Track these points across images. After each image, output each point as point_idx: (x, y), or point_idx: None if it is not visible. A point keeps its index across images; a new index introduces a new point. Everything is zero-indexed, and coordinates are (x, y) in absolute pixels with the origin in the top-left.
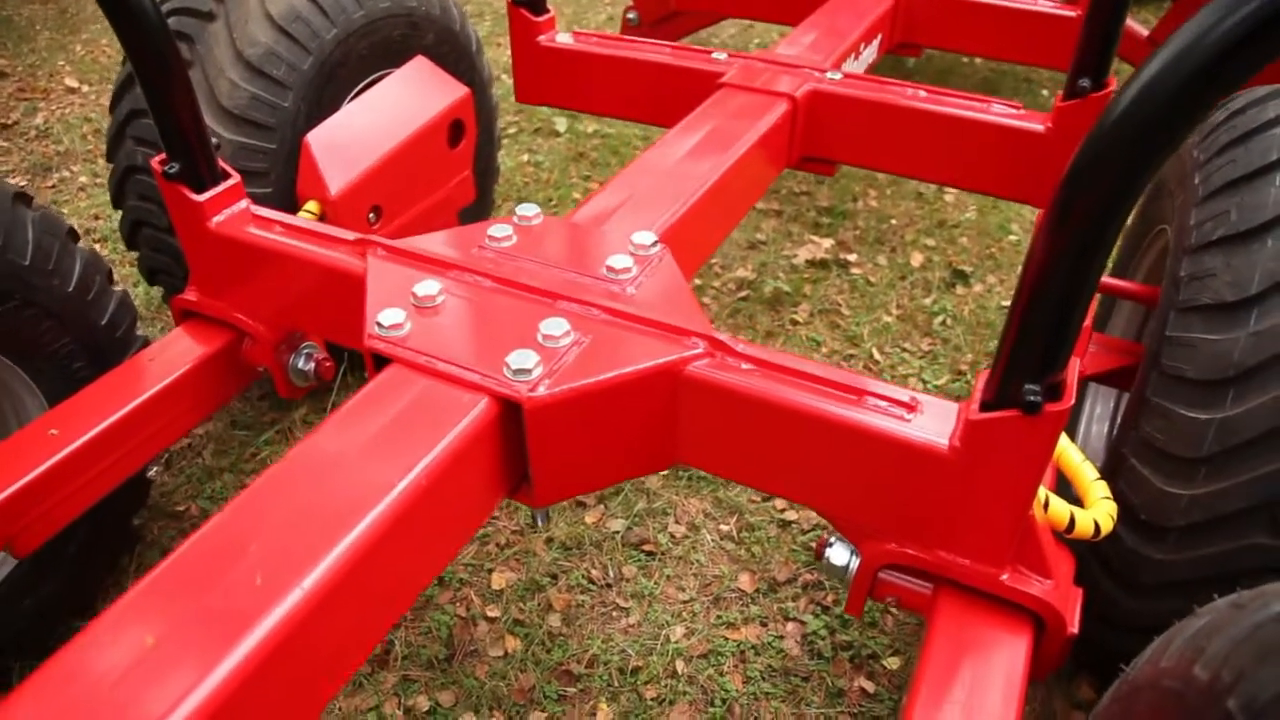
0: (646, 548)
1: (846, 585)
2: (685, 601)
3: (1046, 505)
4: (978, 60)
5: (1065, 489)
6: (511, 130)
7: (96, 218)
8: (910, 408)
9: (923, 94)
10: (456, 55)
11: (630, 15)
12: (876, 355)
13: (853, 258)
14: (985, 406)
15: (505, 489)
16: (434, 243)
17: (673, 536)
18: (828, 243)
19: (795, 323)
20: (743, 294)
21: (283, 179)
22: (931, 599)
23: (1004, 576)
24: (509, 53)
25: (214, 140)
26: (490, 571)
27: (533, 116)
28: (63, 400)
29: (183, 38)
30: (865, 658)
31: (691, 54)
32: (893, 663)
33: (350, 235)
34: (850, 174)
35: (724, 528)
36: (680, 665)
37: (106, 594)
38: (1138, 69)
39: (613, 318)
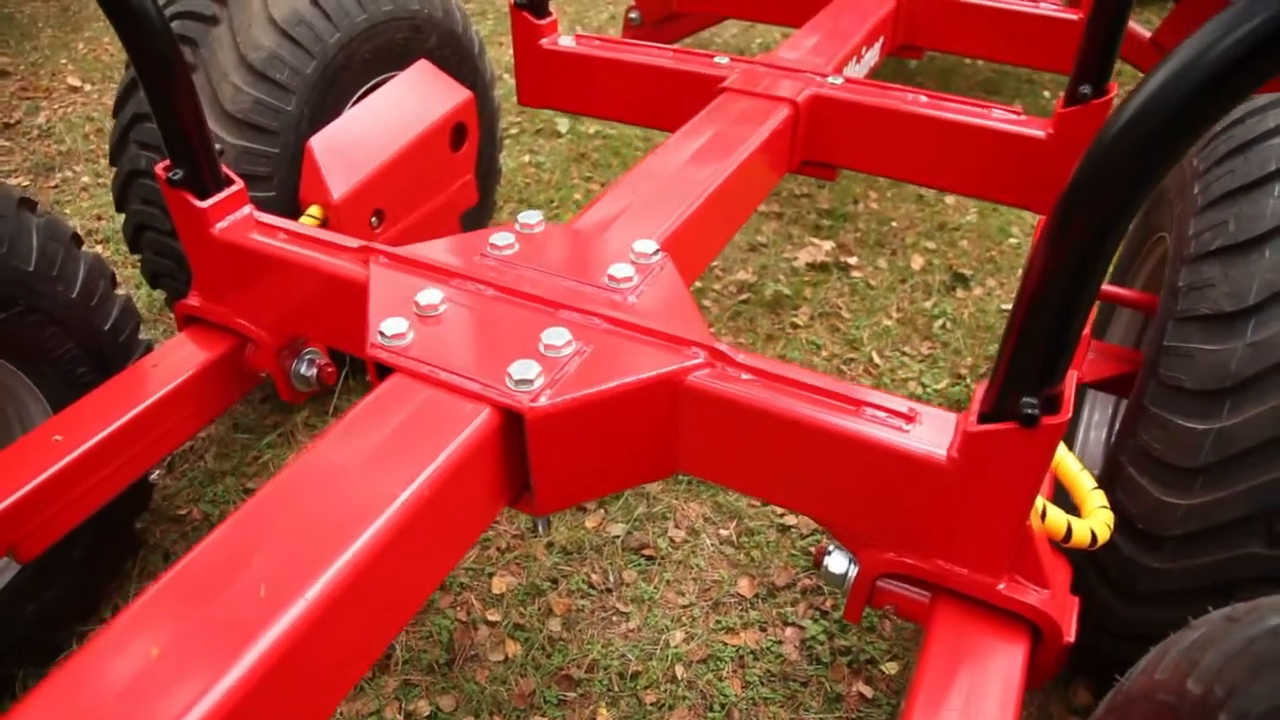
0: (646, 552)
1: (845, 593)
2: (685, 606)
3: (1044, 515)
4: (979, 61)
5: (1063, 497)
6: (513, 131)
7: (99, 218)
8: (909, 418)
9: (924, 99)
10: (459, 58)
11: (632, 15)
12: (876, 359)
13: (853, 260)
14: (983, 418)
15: (507, 498)
16: (436, 250)
17: (672, 541)
18: (828, 245)
19: (795, 326)
20: (743, 297)
21: (286, 183)
22: (929, 607)
23: (1001, 586)
24: (511, 52)
25: (217, 146)
26: (491, 576)
27: (534, 117)
28: (66, 405)
29: (186, 41)
30: (864, 663)
31: (693, 58)
32: (891, 668)
33: (353, 243)
34: (851, 176)
35: (723, 532)
36: (680, 670)
37: (110, 598)
38: (1139, 83)
39: (614, 327)
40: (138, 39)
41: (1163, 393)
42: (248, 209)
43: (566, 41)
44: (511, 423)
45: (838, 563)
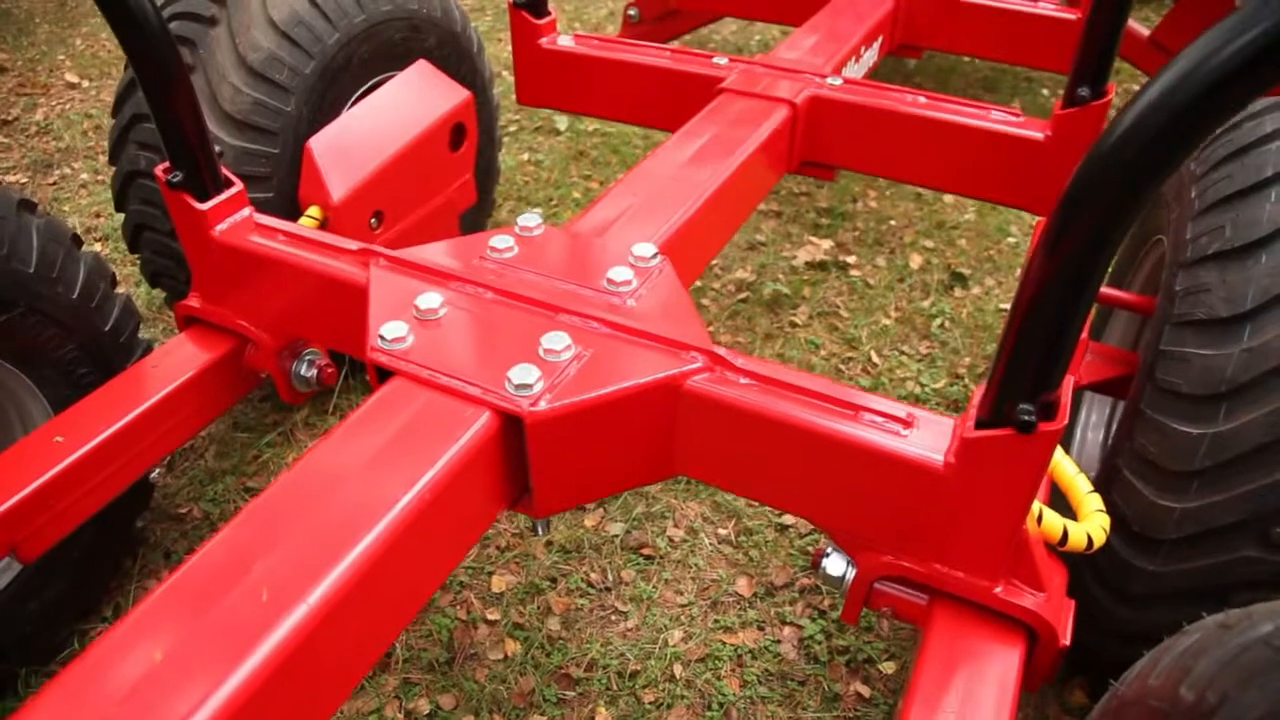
0: (645, 551)
1: (843, 595)
2: (683, 605)
3: (1040, 519)
4: (978, 60)
5: (1060, 500)
6: (512, 128)
7: (98, 215)
8: (906, 423)
9: (922, 100)
10: (458, 57)
11: (631, 12)
12: (875, 358)
13: (852, 259)
14: (980, 424)
15: (506, 500)
16: (436, 253)
17: (671, 540)
18: (827, 244)
19: (794, 325)
20: (742, 296)
21: (285, 184)
22: (926, 610)
23: (997, 589)
24: (510, 48)
25: (217, 148)
26: (490, 574)
27: (533, 115)
28: (67, 406)
29: (185, 42)
30: (861, 662)
31: (692, 58)
32: (888, 667)
33: (353, 245)
34: (850, 174)
35: (722, 532)
36: (678, 669)
37: (110, 597)
38: (1138, 92)
39: (613, 331)
40: (136, 41)
41: (1159, 397)
42: (247, 211)
43: (565, 41)
44: (511, 426)
45: (836, 565)
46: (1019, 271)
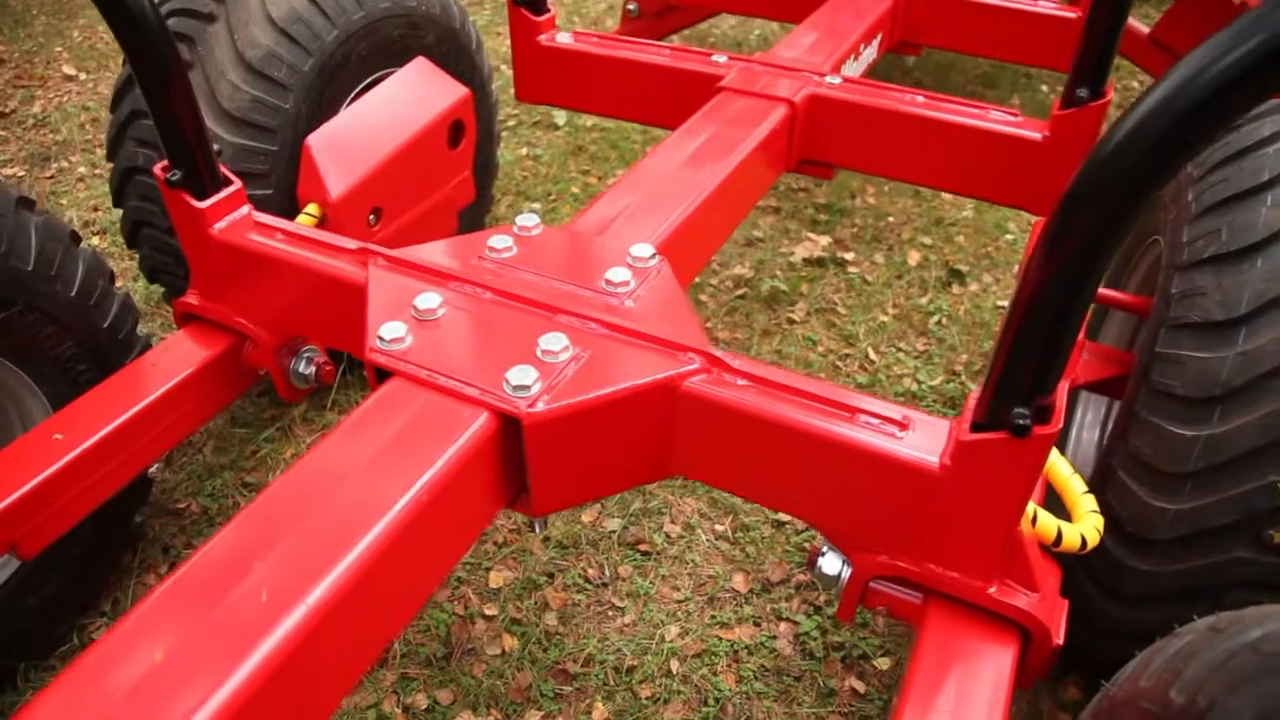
0: (642, 547)
1: (838, 594)
2: (680, 601)
3: (1034, 520)
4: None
5: (1054, 499)
6: (510, 123)
7: (95, 209)
8: (903, 425)
9: (921, 99)
10: (457, 54)
11: (630, 7)
12: (872, 355)
13: (850, 256)
14: (975, 427)
15: (504, 500)
16: (434, 252)
17: (668, 536)
18: (825, 240)
19: (792, 321)
20: (740, 292)
21: (284, 181)
22: (921, 609)
23: (991, 590)
24: (508, 42)
25: (215, 147)
26: (488, 570)
27: (532, 109)
28: (66, 403)
29: (183, 39)
30: (856, 658)
31: (691, 56)
32: (883, 663)
33: (352, 244)
34: (848, 171)
35: (719, 528)
36: (675, 665)
37: (109, 592)
38: (1136, 100)
39: (610, 332)
40: (134, 39)
41: (1154, 398)
42: (246, 209)
43: (564, 38)
44: (509, 427)
45: (831, 564)
46: (1017, 269)
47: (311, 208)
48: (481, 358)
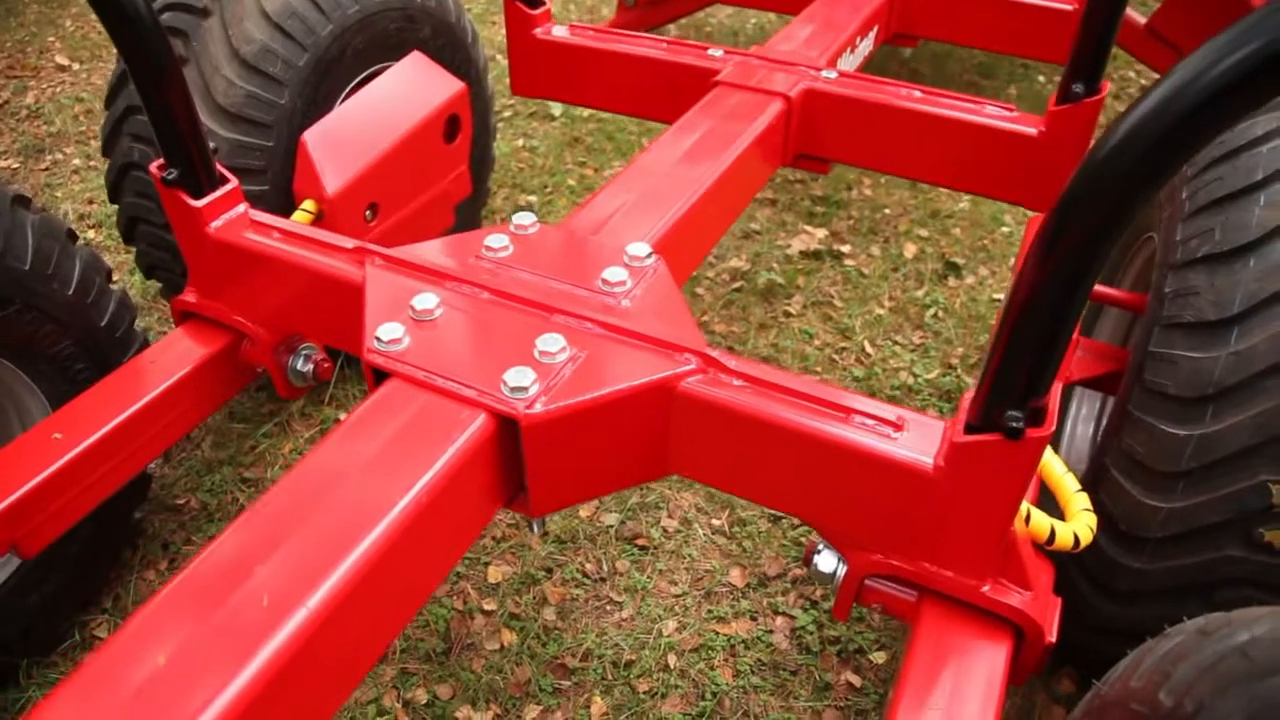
0: (640, 542)
1: (834, 591)
2: (677, 596)
3: (1028, 519)
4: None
5: (1047, 496)
6: (506, 114)
7: (91, 202)
8: (897, 426)
9: (917, 94)
10: (453, 47)
11: None
12: (868, 348)
13: (846, 248)
14: (969, 429)
15: (502, 500)
16: (431, 252)
17: (665, 531)
18: (821, 233)
19: (788, 314)
20: (736, 285)
21: (280, 176)
22: (915, 606)
23: (985, 588)
24: (504, 31)
25: (211, 144)
26: (486, 565)
27: (528, 100)
28: (65, 401)
29: (177, 34)
30: (852, 652)
31: (688, 50)
32: (879, 657)
33: (349, 243)
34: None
35: (715, 522)
36: (672, 659)
37: (110, 588)
38: (1132, 104)
39: (607, 332)
40: (128, 38)
41: (1147, 397)
42: (242, 207)
43: (560, 32)
44: (507, 428)
45: (827, 562)
46: (1013, 261)
47: (308, 204)
48: (479, 359)
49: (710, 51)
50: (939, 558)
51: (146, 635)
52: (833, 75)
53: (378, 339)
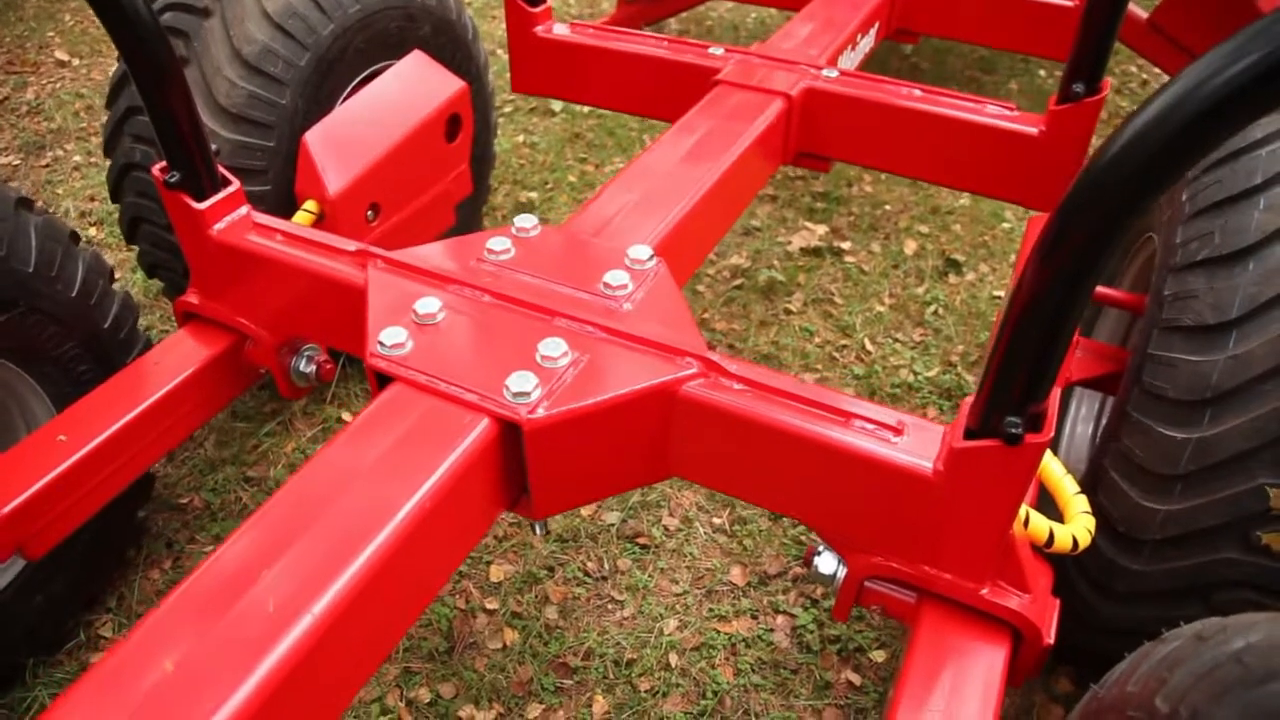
0: (641, 541)
1: (834, 592)
2: (678, 594)
3: (1027, 521)
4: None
5: (1046, 498)
6: (507, 109)
7: (92, 199)
8: (897, 430)
9: (918, 93)
10: (453, 45)
11: None
12: (869, 346)
13: (846, 245)
14: (969, 434)
15: (505, 503)
16: (433, 254)
17: (666, 530)
18: (822, 230)
19: (789, 312)
20: (737, 282)
21: (281, 176)
22: (915, 608)
23: (984, 591)
24: (504, 27)
25: (213, 145)
26: (489, 564)
27: (529, 95)
28: (69, 402)
29: (178, 34)
30: (852, 651)
31: (688, 48)
32: (878, 656)
33: (351, 246)
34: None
35: (716, 521)
36: (673, 658)
37: (114, 587)
38: (1134, 112)
39: (609, 336)
40: (129, 39)
41: (1145, 400)
42: (245, 209)
43: (561, 30)
44: (510, 432)
45: (827, 564)
46: (1013, 258)
47: (310, 204)
48: (481, 363)
49: (711, 50)
50: (938, 560)
51: (154, 642)
52: (833, 74)
53: (380, 343)
